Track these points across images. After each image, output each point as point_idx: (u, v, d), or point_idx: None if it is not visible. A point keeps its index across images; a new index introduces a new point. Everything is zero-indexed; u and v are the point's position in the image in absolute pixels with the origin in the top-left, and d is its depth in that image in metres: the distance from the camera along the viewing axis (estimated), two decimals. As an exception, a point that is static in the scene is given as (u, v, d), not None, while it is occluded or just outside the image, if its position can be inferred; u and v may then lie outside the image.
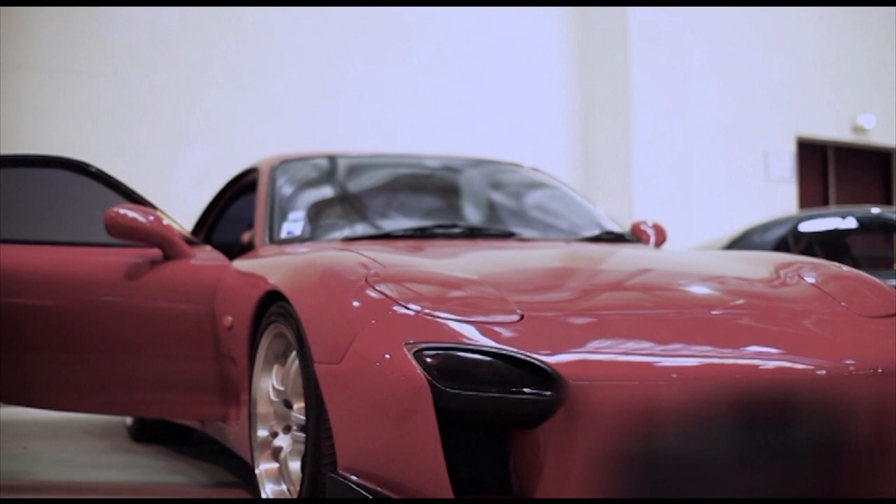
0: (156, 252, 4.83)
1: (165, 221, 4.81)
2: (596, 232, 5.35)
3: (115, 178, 5.07)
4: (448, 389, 3.05)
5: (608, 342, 3.31)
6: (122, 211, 4.73)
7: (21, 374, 4.91)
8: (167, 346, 4.79)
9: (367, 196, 5.57)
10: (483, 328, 3.25)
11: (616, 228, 5.49)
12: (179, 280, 4.80)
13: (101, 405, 5.07)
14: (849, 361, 3.33)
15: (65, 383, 4.91)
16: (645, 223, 5.81)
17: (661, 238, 5.78)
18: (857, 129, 13.85)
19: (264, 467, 4.10)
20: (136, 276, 4.81)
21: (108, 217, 4.71)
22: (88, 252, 4.94)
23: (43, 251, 4.93)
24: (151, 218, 4.76)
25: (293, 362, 3.82)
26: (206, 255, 4.90)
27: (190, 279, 4.81)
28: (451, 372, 3.08)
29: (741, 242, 7.61)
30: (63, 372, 4.88)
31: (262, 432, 4.14)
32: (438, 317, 3.29)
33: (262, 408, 4.16)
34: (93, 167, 5.09)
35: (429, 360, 3.09)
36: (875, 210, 7.59)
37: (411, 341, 3.16)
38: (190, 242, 4.90)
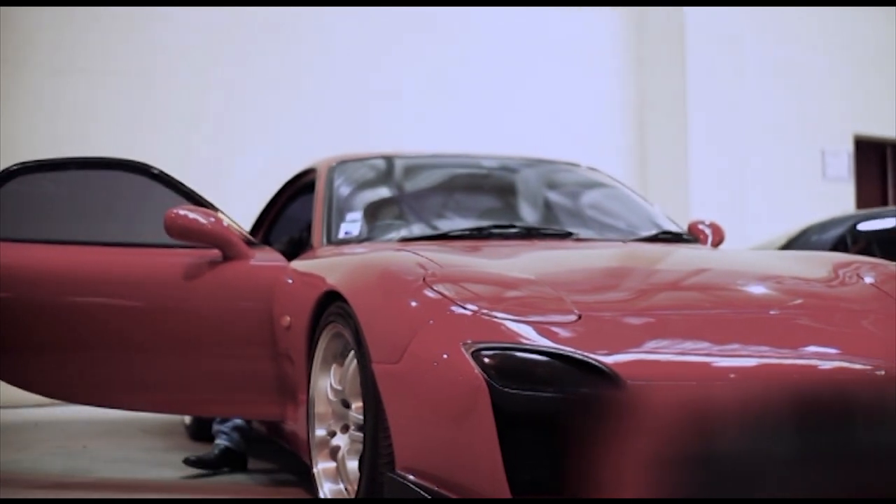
0: (215, 253, 4.87)
1: (225, 222, 4.86)
2: (653, 231, 5.32)
3: (177, 179, 5.12)
4: (505, 389, 3.05)
5: (665, 342, 3.30)
6: (181, 212, 4.78)
7: (82, 373, 4.98)
8: (226, 345, 4.82)
9: (424, 196, 5.58)
10: (540, 328, 3.24)
11: (674, 228, 5.47)
12: (238, 280, 4.84)
13: (160, 404, 5.14)
14: (908, 362, 3.30)
15: (125, 382, 4.97)
16: (702, 222, 5.78)
17: (718, 237, 5.74)
18: (917, 128, 13.73)
19: (322, 466, 4.12)
20: (196, 277, 4.86)
21: (168, 218, 4.75)
22: (149, 253, 5.00)
23: (104, 252, 5.01)
24: (211, 219, 4.81)
25: (351, 362, 3.84)
26: (265, 256, 4.93)
27: (249, 279, 4.84)
28: (508, 372, 3.08)
29: (798, 242, 7.55)
30: (123, 371, 4.94)
31: (320, 432, 4.15)
32: (496, 317, 3.29)
33: (320, 407, 4.17)
34: (155, 169, 5.16)
35: (486, 360, 3.09)
36: (935, 209, 7.52)
37: (469, 341, 3.16)
38: (249, 243, 4.94)
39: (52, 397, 5.23)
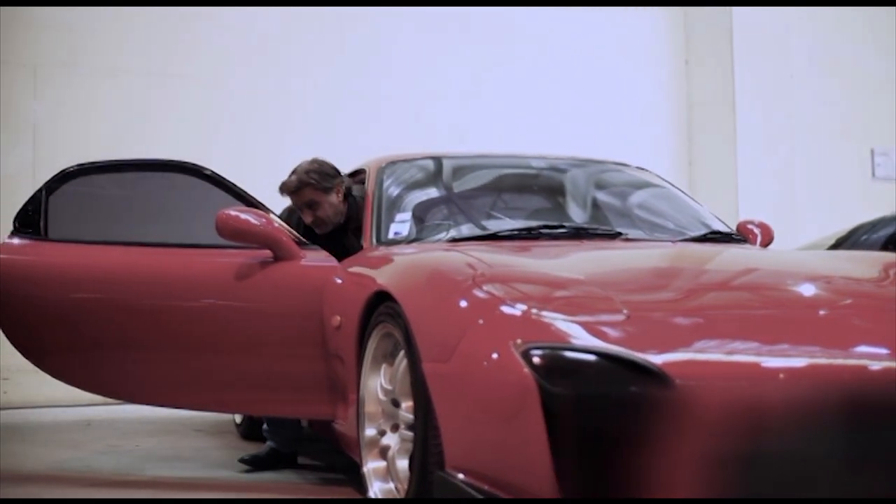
0: (266, 253, 4.91)
1: (276, 223, 4.90)
2: (703, 231, 5.30)
3: (229, 180, 5.18)
4: (555, 389, 3.04)
5: (715, 342, 3.28)
6: (232, 213, 4.83)
7: (135, 372, 5.04)
8: (277, 345, 4.86)
9: (473, 196, 5.57)
10: (590, 327, 3.23)
11: (723, 228, 5.45)
12: (289, 280, 4.88)
13: (212, 403, 5.19)
14: (960, 362, 3.28)
15: (177, 381, 5.03)
16: (752, 222, 5.74)
17: (767, 237, 5.70)
18: (967, 126, 13.61)
19: (372, 466, 4.13)
20: (248, 277, 4.90)
21: (220, 219, 4.80)
22: (201, 254, 5.05)
23: (157, 253, 5.08)
24: (262, 220, 4.85)
25: (401, 362, 3.85)
26: (315, 256, 4.96)
27: (299, 279, 4.88)
28: (557, 371, 3.07)
29: (848, 242, 7.51)
30: (175, 370, 4.99)
31: (370, 431, 4.18)
32: (545, 316, 3.28)
33: (370, 407, 4.19)
34: (207, 170, 5.23)
35: (536, 359, 3.09)
36: None
37: (518, 341, 3.16)
38: (299, 243, 4.97)
39: (105, 396, 5.32)
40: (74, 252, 5.08)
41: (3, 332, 5.10)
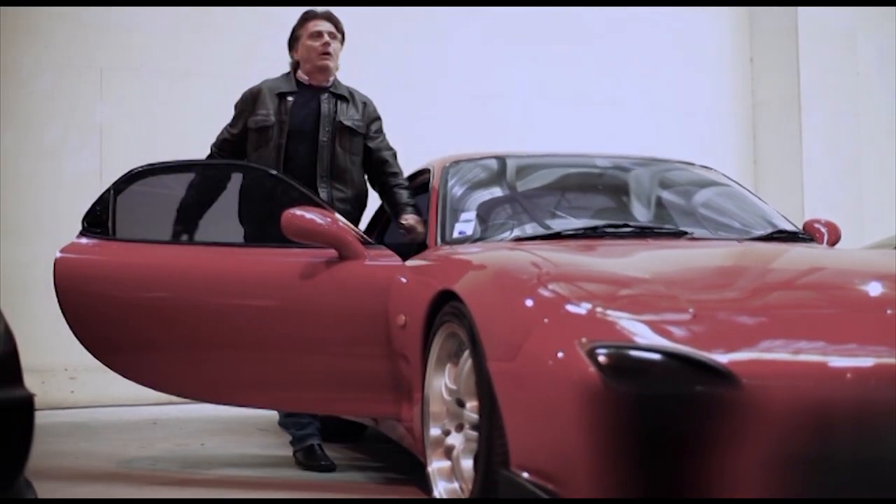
0: (331, 252, 4.93)
1: (341, 222, 4.93)
2: (768, 230, 5.24)
3: (294, 180, 5.22)
4: (620, 388, 3.03)
5: (781, 341, 3.26)
6: (297, 212, 4.86)
7: (202, 371, 5.09)
8: (343, 344, 4.89)
9: (538, 196, 5.56)
10: (655, 326, 3.22)
11: (789, 227, 5.39)
12: (355, 279, 4.90)
13: (277, 402, 5.23)
14: None
15: (244, 381, 5.07)
16: (818, 221, 5.67)
17: (834, 236, 5.64)
18: None
19: (437, 465, 4.14)
20: (314, 276, 4.93)
21: (285, 219, 4.84)
22: (266, 253, 5.10)
23: (224, 252, 5.14)
24: (328, 219, 4.88)
25: (466, 361, 3.85)
26: (380, 255, 4.98)
27: (365, 278, 4.90)
28: (623, 370, 3.07)
29: (916, 241, 7.44)
30: (241, 369, 5.04)
31: (435, 430, 4.17)
32: (610, 315, 3.27)
33: (434, 406, 4.20)
34: (273, 170, 5.30)
35: (601, 358, 3.07)
36: None
37: (584, 340, 3.15)
38: (364, 242, 4.99)
39: (172, 394, 5.38)
40: (142, 251, 5.16)
41: (72, 330, 5.16)
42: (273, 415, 6.88)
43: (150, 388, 5.31)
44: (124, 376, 5.25)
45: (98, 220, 5.23)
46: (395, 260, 4.97)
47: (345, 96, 5.87)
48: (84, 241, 5.20)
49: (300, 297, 4.94)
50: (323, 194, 5.54)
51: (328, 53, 5.86)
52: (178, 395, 5.37)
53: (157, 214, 5.42)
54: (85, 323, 5.15)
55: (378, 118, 5.98)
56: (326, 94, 5.84)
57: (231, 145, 5.84)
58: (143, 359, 5.18)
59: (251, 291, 5.01)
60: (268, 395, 5.12)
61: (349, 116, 5.81)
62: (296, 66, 5.98)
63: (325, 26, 5.93)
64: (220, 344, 5.03)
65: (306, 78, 5.90)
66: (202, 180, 5.62)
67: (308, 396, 5.09)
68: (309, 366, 4.95)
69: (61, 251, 5.17)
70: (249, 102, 5.82)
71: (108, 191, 5.26)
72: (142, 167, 5.35)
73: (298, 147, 5.68)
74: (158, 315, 5.06)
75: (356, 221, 5.73)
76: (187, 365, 5.11)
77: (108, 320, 5.12)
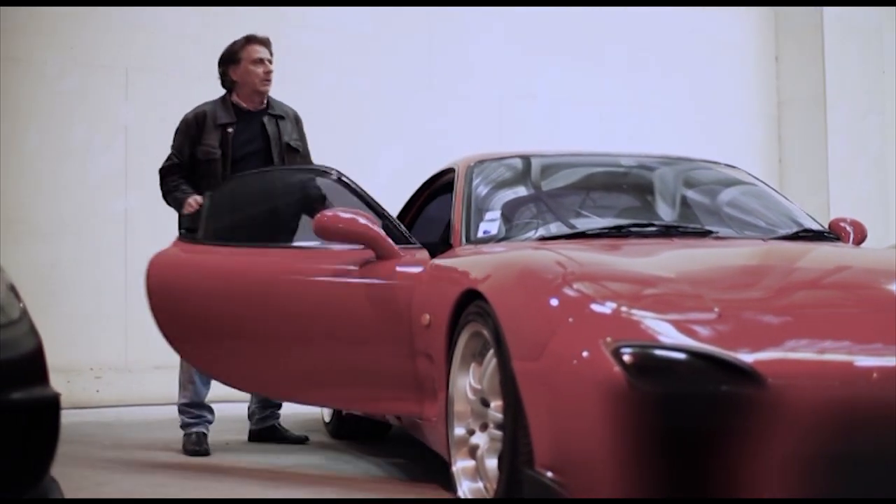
0: (368, 253, 4.99)
1: (374, 223, 4.96)
2: (794, 229, 5.22)
3: (352, 181, 5.29)
4: (645, 387, 3.03)
5: (806, 341, 3.25)
6: (330, 213, 4.90)
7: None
8: (374, 343, 4.90)
9: (562, 195, 5.56)
10: (680, 326, 3.22)
11: (814, 226, 5.37)
12: (387, 279, 4.92)
13: (307, 397, 5.33)
14: None
15: (273, 375, 5.16)
16: (844, 220, 5.64)
17: (860, 235, 5.61)
18: None
19: (461, 465, 4.14)
20: (351, 276, 4.98)
21: (319, 221, 4.88)
22: (307, 254, 5.21)
23: (267, 253, 5.27)
24: (362, 220, 4.92)
25: (490, 361, 3.85)
26: (414, 255, 5.00)
27: (397, 279, 4.92)
28: (648, 369, 3.07)
29: (943, 240, 7.42)
30: (272, 364, 5.11)
31: (460, 430, 4.17)
32: (635, 314, 3.27)
33: (459, 406, 4.19)
34: (333, 174, 5.55)
35: (626, 357, 3.08)
36: None
37: (609, 339, 3.15)
38: (398, 242, 5.04)
39: (242, 389, 5.80)
40: (227, 254, 5.37)
41: (159, 327, 5.37)
42: (297, 415, 6.90)
43: (233, 386, 5.55)
44: (201, 370, 5.71)
45: (194, 225, 5.65)
46: (427, 259, 4.99)
47: (281, 115, 6.27)
48: (179, 244, 5.56)
49: (334, 295, 5.04)
50: None
51: (270, 81, 6.29)
52: (263, 394, 5.89)
53: (243, 218, 5.75)
54: (171, 320, 5.35)
55: (302, 126, 6.46)
56: (266, 117, 6.22)
57: (180, 169, 6.20)
58: (228, 357, 5.35)
59: (286, 290, 5.14)
60: (297, 390, 5.30)
61: (290, 136, 6.24)
62: (231, 85, 6.32)
63: (265, 53, 6.39)
64: (249, 340, 5.22)
65: (244, 104, 6.26)
66: (282, 185, 5.95)
67: (338, 394, 5.21)
68: (341, 363, 5.04)
69: (155, 255, 5.44)
70: (194, 128, 6.18)
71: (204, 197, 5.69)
72: (233, 175, 5.82)
73: (246, 171, 6.00)
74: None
75: None
76: (267, 362, 5.22)
77: (194, 319, 5.32)
